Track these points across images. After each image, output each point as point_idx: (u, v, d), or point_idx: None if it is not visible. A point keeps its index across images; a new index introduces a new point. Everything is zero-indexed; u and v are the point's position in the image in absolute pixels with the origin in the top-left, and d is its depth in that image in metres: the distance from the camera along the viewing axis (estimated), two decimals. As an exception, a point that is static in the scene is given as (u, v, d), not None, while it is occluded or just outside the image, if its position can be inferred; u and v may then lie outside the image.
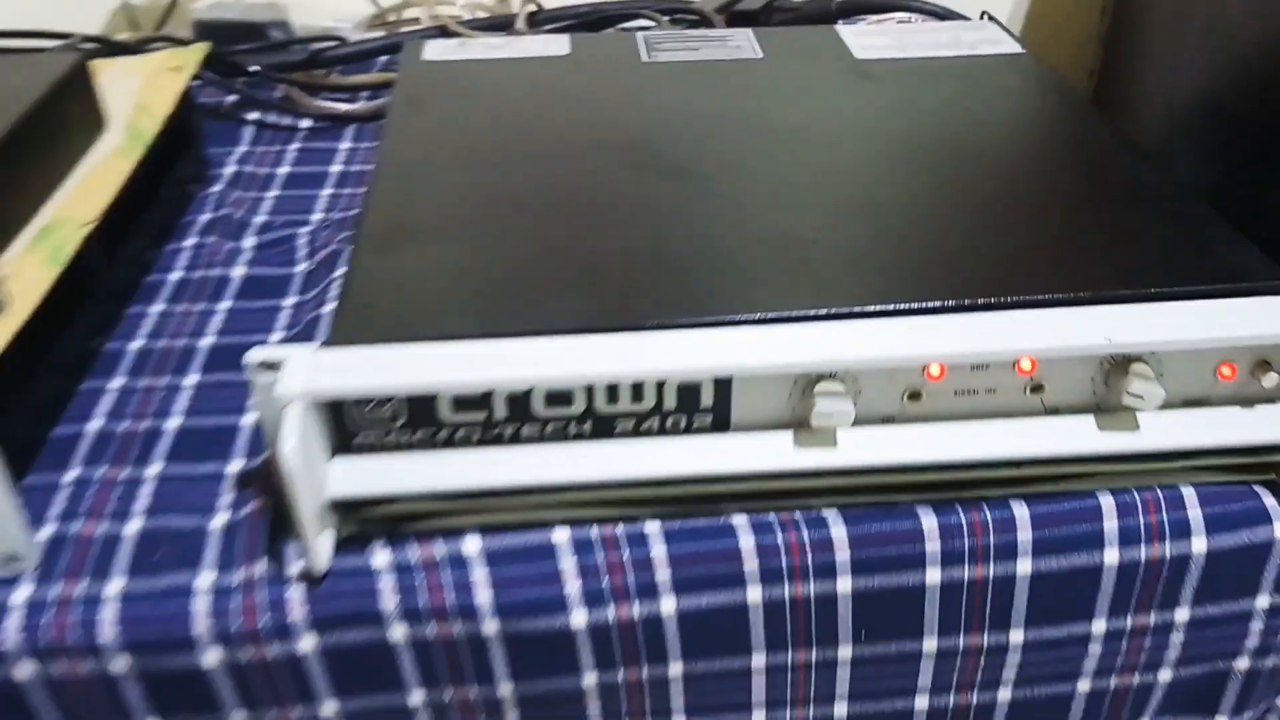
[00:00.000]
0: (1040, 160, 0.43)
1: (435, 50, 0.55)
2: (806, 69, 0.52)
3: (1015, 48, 0.54)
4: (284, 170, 0.58)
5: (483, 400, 0.33)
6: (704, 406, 0.34)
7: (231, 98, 0.65)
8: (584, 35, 0.57)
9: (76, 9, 0.76)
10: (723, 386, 0.34)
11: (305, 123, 0.63)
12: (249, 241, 0.51)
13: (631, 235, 0.38)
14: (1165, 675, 0.38)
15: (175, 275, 0.49)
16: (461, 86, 0.50)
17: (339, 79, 0.67)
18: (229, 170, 0.58)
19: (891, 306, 0.34)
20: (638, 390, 0.33)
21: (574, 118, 0.47)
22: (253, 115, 0.64)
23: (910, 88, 0.49)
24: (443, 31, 0.70)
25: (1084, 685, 0.37)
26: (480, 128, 0.46)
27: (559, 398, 0.33)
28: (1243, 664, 0.38)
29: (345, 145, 0.61)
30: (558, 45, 0.55)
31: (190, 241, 0.51)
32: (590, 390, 0.33)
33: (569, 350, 0.33)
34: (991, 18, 0.59)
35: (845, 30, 0.56)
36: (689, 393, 0.34)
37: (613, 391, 0.33)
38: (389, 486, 0.33)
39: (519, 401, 0.33)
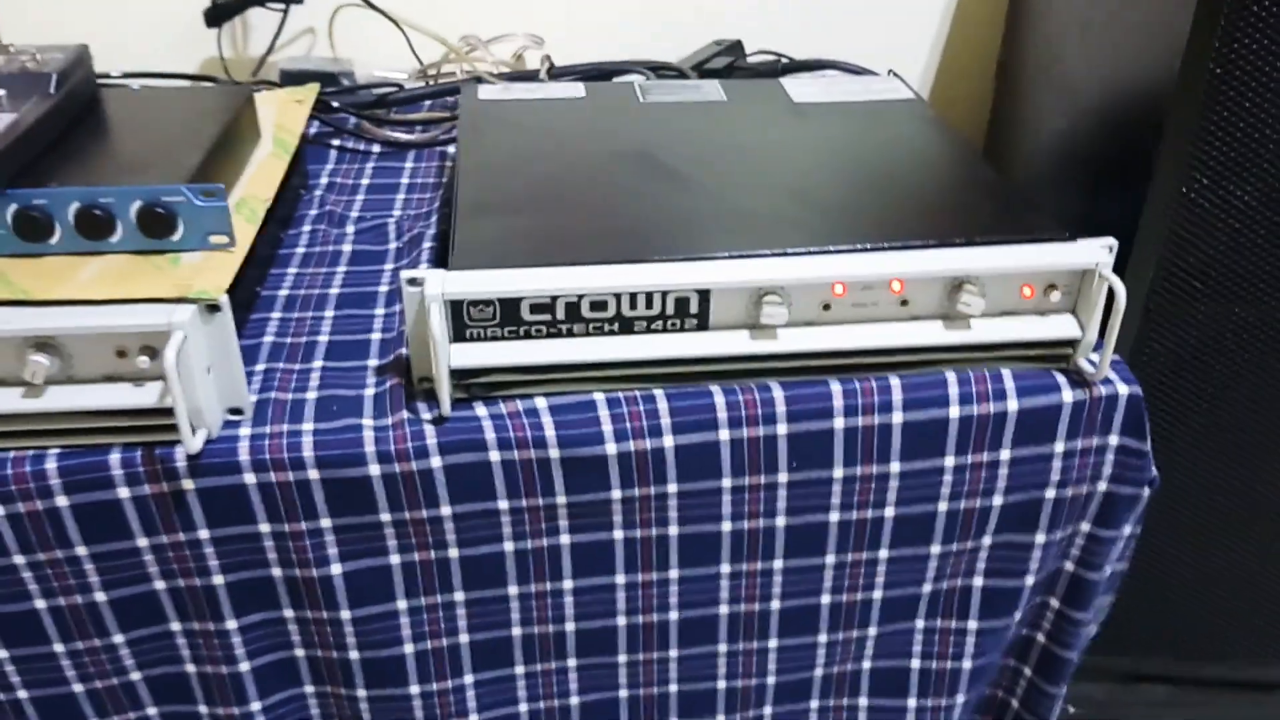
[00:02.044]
0: (916, 166, 0.62)
1: (486, 92, 0.74)
2: (759, 108, 0.72)
3: (911, 95, 0.74)
4: (365, 181, 0.77)
5: (549, 305, 0.51)
6: (692, 312, 0.53)
7: (316, 127, 0.84)
8: (595, 83, 0.77)
9: (180, 57, 0.95)
10: (704, 299, 0.52)
11: (375, 148, 0.82)
12: (350, 229, 0.70)
13: (640, 209, 0.57)
14: (998, 500, 0.56)
15: (300, 250, 0.67)
16: (511, 116, 0.70)
17: (399, 115, 0.86)
18: (324, 180, 0.76)
19: (812, 249, 0.53)
20: (649, 300, 0.52)
21: (593, 137, 0.66)
22: (335, 141, 0.82)
23: (832, 121, 0.69)
24: (479, 80, 0.89)
25: (943, 506, 0.56)
26: (528, 142, 0.65)
27: (598, 305, 0.52)
28: (1050, 494, 0.56)
29: (409, 164, 0.80)
30: (576, 91, 0.75)
31: (306, 228, 0.69)
32: (618, 299, 0.52)
33: (604, 274, 0.51)
34: (895, 74, 0.79)
35: (786, 81, 0.76)
36: (682, 303, 0.52)
37: (633, 301, 0.52)
38: (488, 361, 0.51)
39: (573, 307, 0.52)
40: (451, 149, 0.82)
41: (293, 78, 0.88)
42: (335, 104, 0.83)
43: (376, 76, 0.91)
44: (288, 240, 0.68)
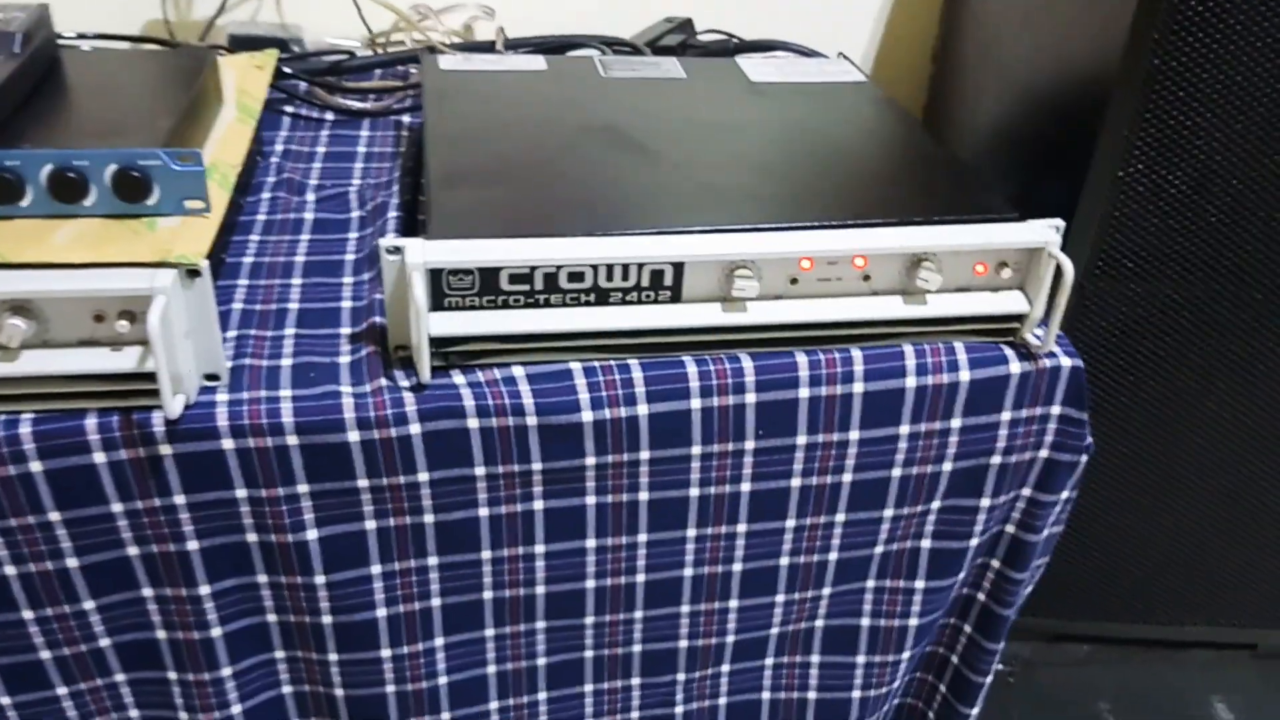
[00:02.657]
0: (874, 146, 0.65)
1: (448, 62, 0.74)
2: (717, 85, 0.73)
3: (860, 77, 0.76)
4: (322, 149, 0.76)
5: (528, 275, 0.52)
6: (666, 285, 0.54)
7: (271, 93, 0.83)
8: (556, 56, 0.77)
9: (120, 17, 0.92)
10: (677, 271, 0.54)
11: (329, 116, 0.82)
12: (310, 196, 0.69)
13: (612, 183, 0.58)
14: (948, 466, 0.59)
15: (261, 217, 0.66)
16: (474, 87, 0.70)
17: (351, 83, 0.85)
18: (279, 147, 0.76)
19: (782, 225, 0.55)
20: (625, 272, 0.53)
21: (559, 110, 0.67)
22: (289, 108, 0.81)
23: (791, 101, 0.71)
24: (433, 50, 0.89)
25: (897, 472, 0.59)
26: (495, 113, 0.66)
27: (575, 276, 0.53)
28: (996, 460, 0.60)
29: (365, 133, 0.79)
30: (537, 63, 0.75)
31: (266, 195, 0.69)
32: (595, 271, 0.53)
33: (582, 246, 0.53)
34: (845, 56, 0.81)
35: (743, 61, 0.78)
36: (656, 275, 0.54)
37: (609, 273, 0.53)
38: (467, 330, 0.52)
39: (551, 278, 0.53)
40: (407, 119, 0.82)
41: (242, 43, 0.87)
42: (288, 70, 0.82)
43: (327, 43, 0.90)
44: (248, 207, 0.68)
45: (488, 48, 0.87)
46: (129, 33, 0.92)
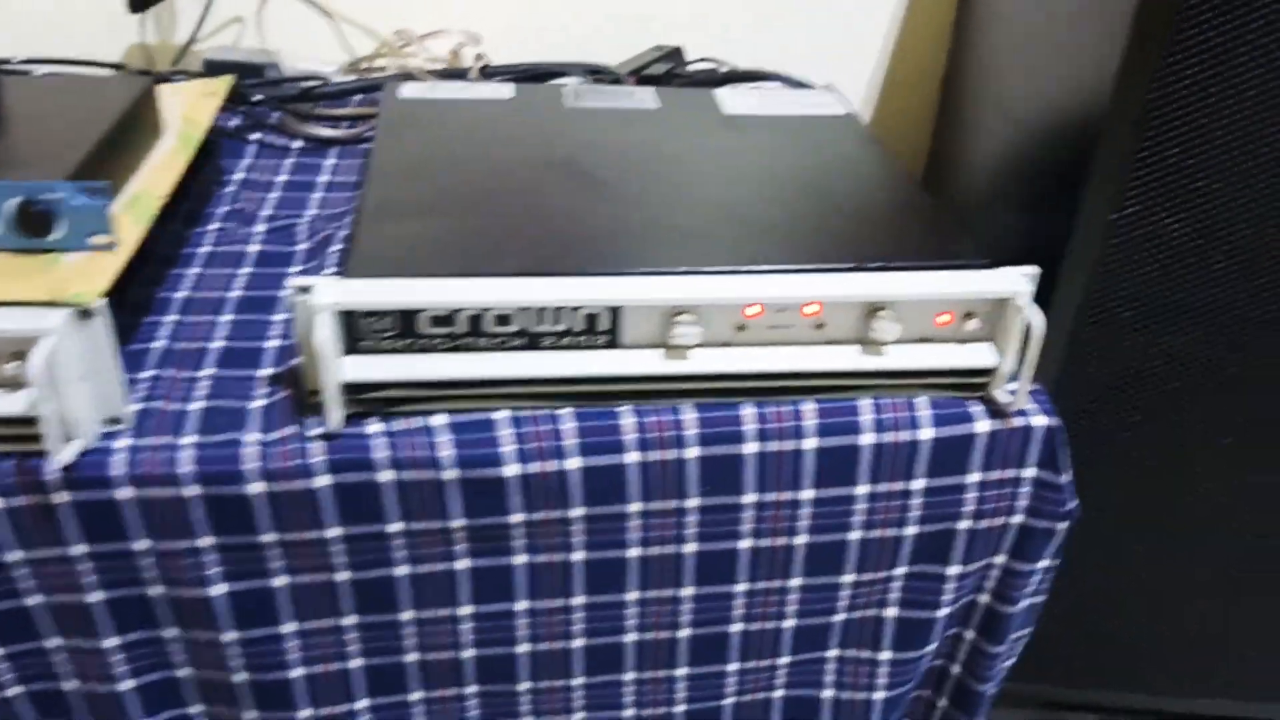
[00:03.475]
0: (841, 182, 0.61)
1: (409, 90, 0.72)
2: (689, 118, 0.70)
3: (844, 110, 0.72)
4: (282, 178, 0.74)
5: (450, 318, 0.49)
6: (602, 329, 0.51)
7: (235, 121, 0.81)
8: (525, 85, 0.74)
9: (100, 43, 0.91)
10: (615, 316, 0.50)
11: (297, 144, 0.79)
12: (259, 228, 0.67)
13: (556, 217, 0.55)
14: (911, 530, 0.55)
15: (205, 249, 0.64)
16: (431, 116, 0.67)
17: (324, 110, 0.83)
18: (239, 176, 0.73)
19: (728, 268, 0.51)
20: (557, 315, 0.50)
21: (516, 141, 0.64)
22: (254, 136, 0.79)
23: (762, 135, 0.67)
24: (409, 77, 0.86)
25: (855, 535, 0.54)
26: (446, 144, 0.63)
27: (503, 319, 0.50)
28: (964, 525, 0.55)
29: (330, 161, 0.77)
30: (505, 91, 0.73)
31: (214, 226, 0.67)
32: (524, 314, 0.49)
33: (510, 287, 0.49)
34: (833, 88, 0.77)
35: (720, 92, 0.75)
36: (592, 319, 0.50)
37: (539, 316, 0.50)
38: (383, 376, 0.49)
39: (475, 320, 0.49)
40: (377, 147, 0.79)
41: (216, 68, 0.85)
42: (256, 97, 0.80)
43: (303, 69, 0.88)
44: (194, 239, 0.65)
45: (462, 75, 0.84)
46: (110, 59, 0.91)
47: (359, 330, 0.49)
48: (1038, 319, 0.50)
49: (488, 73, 0.87)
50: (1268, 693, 0.84)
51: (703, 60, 0.94)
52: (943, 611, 0.57)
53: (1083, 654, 0.83)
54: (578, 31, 0.97)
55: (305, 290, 0.48)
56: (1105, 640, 0.82)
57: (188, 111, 0.64)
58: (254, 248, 0.65)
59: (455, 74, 0.87)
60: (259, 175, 0.74)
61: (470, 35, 0.94)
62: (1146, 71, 0.59)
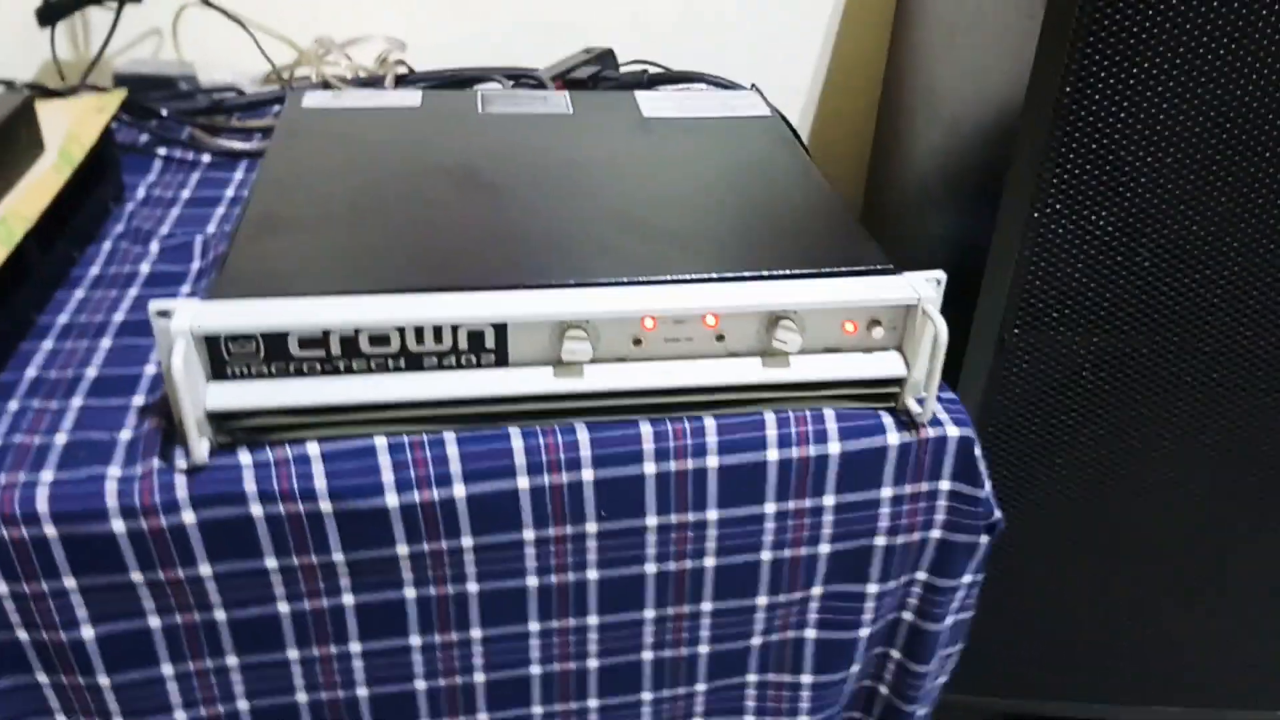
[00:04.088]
0: (751, 190, 0.58)
1: (313, 99, 0.69)
2: (604, 121, 0.67)
3: (767, 111, 0.70)
4: (186, 194, 0.71)
5: (321, 340, 0.46)
6: (488, 347, 0.48)
7: (145, 136, 0.78)
8: (434, 91, 0.72)
9: (14, 60, 0.88)
10: (501, 333, 0.48)
11: (206, 158, 0.76)
12: (155, 246, 0.64)
13: (444, 231, 0.52)
14: (825, 549, 0.52)
15: (94, 270, 0.61)
16: (329, 126, 0.64)
17: (237, 123, 0.80)
18: (140, 193, 0.71)
19: (621, 280, 0.49)
20: (438, 334, 0.47)
21: (415, 150, 0.61)
22: (162, 151, 0.77)
23: (677, 139, 0.65)
24: (325, 86, 0.83)
25: (766, 555, 0.52)
26: (340, 155, 0.60)
27: (379, 339, 0.47)
28: (880, 541, 0.52)
29: (239, 175, 0.74)
30: (412, 99, 0.70)
31: (107, 245, 0.64)
32: (402, 333, 0.47)
33: (384, 305, 0.46)
34: (757, 89, 0.75)
35: (641, 95, 0.72)
36: (476, 337, 0.48)
37: (419, 335, 0.47)
38: (251, 403, 0.46)
39: (349, 342, 0.47)
40: (290, 160, 0.76)
41: (127, 82, 0.82)
42: (164, 111, 0.77)
43: (221, 81, 0.85)
44: (84, 258, 0.62)
45: (376, 83, 0.82)
46: (20, 76, 0.88)
47: (224, 355, 0.46)
48: (942, 326, 0.47)
49: (408, 80, 0.84)
50: (1222, 699, 0.82)
51: (635, 63, 0.91)
52: (864, 631, 0.55)
53: (1033, 666, 0.80)
54: (507, 37, 0.94)
55: (165, 315, 0.45)
56: (1056, 651, 0.80)
57: (74, 128, 0.62)
58: (145, 267, 0.62)
59: (373, 82, 0.84)
60: (161, 191, 0.71)
61: (394, 42, 0.91)
62: (1061, 64, 0.56)
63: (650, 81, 0.84)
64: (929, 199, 0.76)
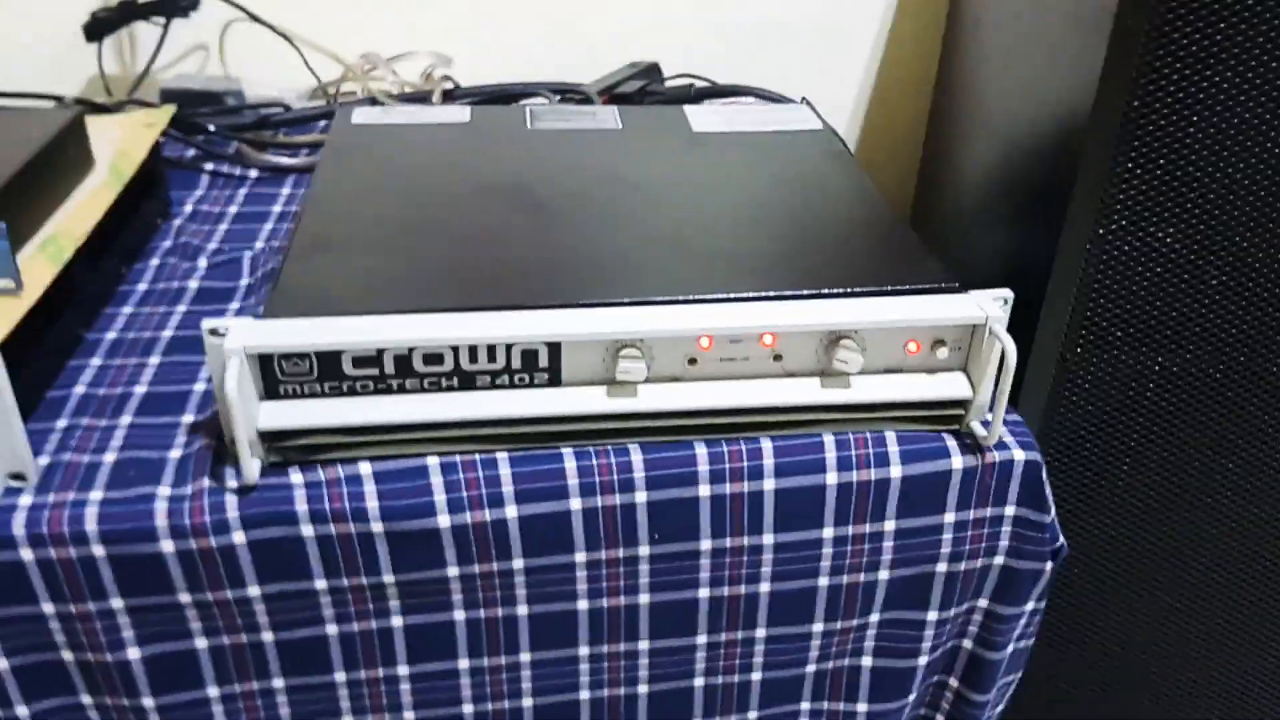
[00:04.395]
0: (806, 205, 0.57)
1: (362, 115, 0.69)
2: (653, 137, 0.66)
3: (818, 125, 0.69)
4: (234, 209, 0.71)
5: (375, 359, 0.46)
6: (541, 367, 0.47)
7: (191, 151, 0.78)
8: (483, 107, 0.71)
9: (61, 75, 0.89)
10: (554, 351, 0.47)
11: (253, 173, 0.76)
12: (203, 262, 0.64)
13: (496, 248, 0.52)
14: (884, 575, 0.51)
15: (143, 286, 0.61)
16: (379, 142, 0.64)
17: (284, 138, 0.80)
18: (188, 209, 0.71)
19: (676, 298, 0.48)
20: (491, 353, 0.46)
21: (465, 167, 0.61)
22: (209, 166, 0.77)
23: (729, 153, 0.64)
24: (373, 102, 0.83)
25: (824, 581, 0.50)
26: (391, 172, 0.60)
27: (433, 358, 0.46)
28: (942, 568, 0.51)
29: (286, 191, 0.74)
30: (461, 115, 0.69)
31: (155, 261, 0.64)
32: (455, 352, 0.46)
33: (438, 324, 0.46)
34: (808, 103, 0.74)
35: (690, 109, 0.71)
36: (530, 356, 0.47)
37: (473, 353, 0.46)
38: (303, 422, 0.46)
39: (403, 360, 0.46)
40: (335, 175, 0.76)
41: (173, 97, 0.82)
42: (211, 126, 0.77)
43: (267, 97, 0.85)
44: (132, 275, 0.62)
45: (423, 98, 0.81)
46: (63, 90, 0.89)
47: (277, 373, 0.45)
48: (1010, 346, 0.46)
49: (454, 95, 0.84)
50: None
51: (681, 77, 0.90)
52: (923, 659, 0.53)
53: (1079, 699, 0.78)
54: (552, 52, 0.94)
55: (219, 333, 0.44)
56: (1103, 681, 0.77)
57: (124, 145, 0.62)
58: (194, 283, 0.62)
59: (420, 98, 0.84)
60: (209, 207, 0.71)
61: (440, 57, 0.91)
62: (1128, 79, 0.55)
63: (697, 95, 0.83)
64: (983, 216, 0.74)
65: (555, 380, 0.47)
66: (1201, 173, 0.57)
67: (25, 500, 0.45)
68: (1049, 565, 0.51)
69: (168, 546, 0.44)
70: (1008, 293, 0.47)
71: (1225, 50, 0.54)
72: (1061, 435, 0.65)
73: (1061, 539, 0.52)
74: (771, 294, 0.48)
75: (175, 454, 0.47)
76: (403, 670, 0.49)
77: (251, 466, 0.45)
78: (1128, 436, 0.65)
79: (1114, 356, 0.62)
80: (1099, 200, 0.58)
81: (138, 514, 0.44)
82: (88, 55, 0.89)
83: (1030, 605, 0.53)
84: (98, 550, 0.44)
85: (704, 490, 0.48)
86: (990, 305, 0.47)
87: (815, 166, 0.62)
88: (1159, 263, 0.60)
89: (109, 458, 0.47)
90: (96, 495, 0.45)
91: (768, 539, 0.49)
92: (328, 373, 0.46)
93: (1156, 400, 0.63)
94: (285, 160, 0.77)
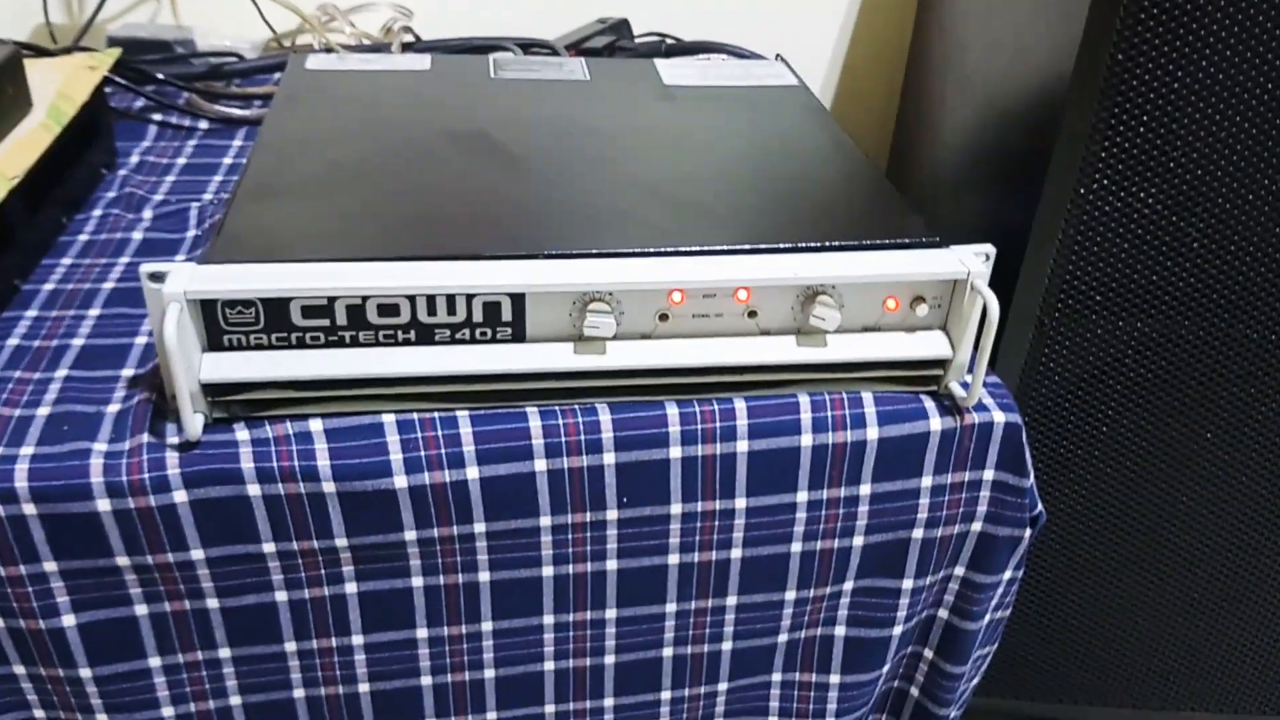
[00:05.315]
0: (782, 160, 0.55)
1: (316, 61, 0.65)
2: (622, 89, 0.64)
3: (793, 81, 0.67)
4: (182, 160, 0.68)
5: (326, 308, 0.43)
6: (504, 320, 0.45)
7: (140, 102, 0.74)
8: (444, 55, 0.68)
9: (5, 22, 0.84)
10: (518, 304, 0.44)
11: (204, 124, 0.73)
12: (148, 213, 0.61)
13: (458, 196, 0.49)
14: (859, 541, 0.49)
15: (84, 237, 0.58)
16: (333, 88, 0.61)
17: (237, 89, 0.77)
18: (134, 159, 0.67)
19: (648, 249, 0.46)
20: (451, 304, 0.44)
21: (426, 114, 0.58)
22: (157, 116, 0.73)
23: (701, 107, 0.62)
24: (329, 53, 0.80)
25: (797, 547, 0.48)
26: (345, 119, 0.57)
27: (388, 309, 0.44)
28: (918, 534, 0.49)
29: (238, 143, 0.71)
30: (421, 62, 0.66)
31: (98, 212, 0.60)
32: (413, 302, 0.44)
33: (396, 271, 0.43)
34: (782, 59, 0.71)
35: (660, 62, 0.69)
36: (492, 309, 0.44)
37: (431, 305, 0.44)
38: (249, 375, 0.43)
39: (356, 310, 0.43)
40: (291, 128, 0.73)
41: (121, 45, 0.78)
42: (160, 75, 0.73)
43: (220, 47, 0.82)
44: (74, 226, 0.59)
45: (383, 49, 0.78)
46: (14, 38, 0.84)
47: (221, 323, 0.43)
48: (993, 302, 0.44)
49: (415, 49, 0.81)
50: (1249, 706, 0.79)
51: (651, 34, 0.88)
52: (897, 629, 0.52)
53: (1054, 668, 0.77)
54: (518, 7, 0.91)
55: (158, 278, 0.42)
56: (1088, 652, 0.77)
57: (63, 87, 0.58)
58: (138, 234, 0.58)
59: (377, 49, 0.80)
60: (156, 158, 0.68)
61: (401, 9, 0.87)
62: (1110, 33, 0.53)
63: (668, 52, 0.81)
64: (961, 176, 0.72)
65: (519, 335, 0.45)
66: (1185, 130, 0.55)
67: (-52, 457, 0.42)
68: (1028, 532, 0.50)
69: (104, 505, 0.41)
70: (989, 248, 0.46)
71: (1212, 3, 0.52)
72: (1038, 400, 0.64)
73: (1040, 506, 0.50)
74: (746, 247, 0.46)
75: (113, 409, 0.44)
76: (357, 640, 0.47)
77: (194, 422, 0.42)
78: (1106, 402, 0.64)
79: (1093, 320, 0.61)
80: (1080, 159, 0.56)
81: (71, 470, 0.41)
82: (34, 4, 0.85)
83: (1008, 574, 0.51)
84: (28, 509, 0.41)
85: (675, 452, 0.45)
86: (972, 260, 0.45)
87: (791, 121, 0.60)
88: (1139, 224, 0.58)
89: (42, 412, 0.44)
90: (28, 450, 0.42)
91: (740, 503, 0.47)
92: (275, 323, 0.43)
93: (1135, 365, 0.62)
94: (237, 111, 0.74)
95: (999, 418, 0.47)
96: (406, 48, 0.79)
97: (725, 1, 0.93)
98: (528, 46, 0.79)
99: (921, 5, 0.89)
